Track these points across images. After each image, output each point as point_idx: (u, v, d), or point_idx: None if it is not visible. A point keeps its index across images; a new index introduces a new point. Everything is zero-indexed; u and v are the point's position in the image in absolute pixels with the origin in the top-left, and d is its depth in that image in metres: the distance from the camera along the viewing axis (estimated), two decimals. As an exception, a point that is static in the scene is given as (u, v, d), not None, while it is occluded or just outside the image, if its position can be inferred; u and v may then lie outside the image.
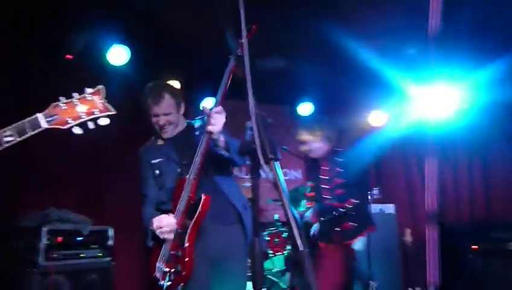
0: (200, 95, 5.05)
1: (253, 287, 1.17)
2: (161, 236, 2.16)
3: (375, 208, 4.43)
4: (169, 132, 2.39)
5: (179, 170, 2.35)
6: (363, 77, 4.90)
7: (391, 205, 4.55)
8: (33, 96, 3.51)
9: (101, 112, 1.46)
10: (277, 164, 1.17)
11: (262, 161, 1.16)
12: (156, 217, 2.20)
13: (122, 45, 4.22)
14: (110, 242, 3.63)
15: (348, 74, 5.05)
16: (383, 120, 5.43)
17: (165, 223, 2.15)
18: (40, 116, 1.41)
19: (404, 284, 4.35)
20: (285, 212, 1.10)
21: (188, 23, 3.99)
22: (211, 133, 2.06)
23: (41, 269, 3.15)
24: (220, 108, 2.07)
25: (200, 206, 2.11)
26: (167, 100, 2.34)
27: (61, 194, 4.01)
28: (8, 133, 1.41)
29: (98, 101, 1.46)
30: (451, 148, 5.18)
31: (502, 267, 4.05)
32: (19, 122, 1.41)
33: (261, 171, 1.21)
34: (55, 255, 3.24)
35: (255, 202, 1.22)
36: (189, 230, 2.12)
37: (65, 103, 1.43)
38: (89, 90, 1.47)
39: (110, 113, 1.48)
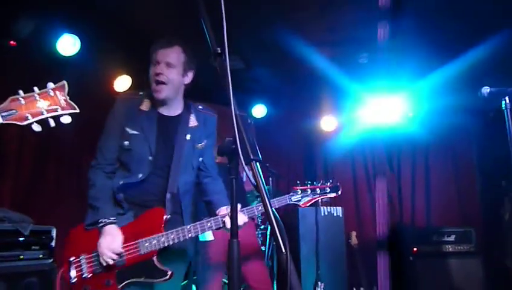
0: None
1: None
2: (103, 260, 1.98)
3: (324, 210, 4.55)
4: (163, 94, 2.06)
5: (150, 158, 2.07)
6: (316, 82, 5.05)
7: (339, 207, 4.68)
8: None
9: (63, 109, 1.36)
10: (257, 165, 1.16)
11: (243, 162, 1.14)
12: (108, 233, 1.99)
13: (73, 35, 4.00)
14: (53, 243, 3.41)
15: (302, 79, 5.17)
16: (334, 125, 5.60)
17: (111, 247, 1.97)
18: None
19: (350, 285, 4.50)
20: (267, 214, 1.09)
21: (145, 15, 3.87)
22: None
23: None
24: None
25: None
26: (176, 50, 2.08)
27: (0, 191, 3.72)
28: None
29: (61, 97, 1.37)
30: (396, 156, 5.48)
31: (438, 268, 4.39)
32: None
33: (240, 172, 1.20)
34: (-9, 257, 2.99)
35: (233, 202, 1.19)
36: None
37: (24, 98, 1.32)
38: (51, 84, 1.37)
39: (73, 111, 1.39)
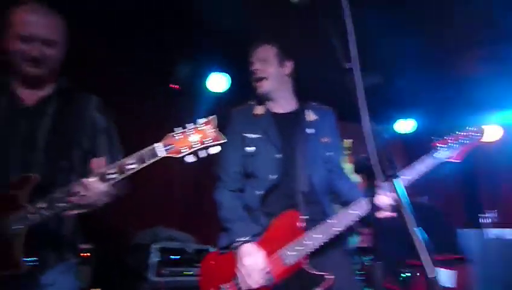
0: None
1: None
2: (251, 284, 1.75)
3: (491, 233, 3.97)
4: (266, 87, 2.05)
5: (278, 156, 1.96)
6: (471, 91, 4.54)
7: (512, 230, 4.02)
8: (147, 126, 3.82)
9: (212, 141, 1.50)
10: (396, 182, 1.09)
11: (381, 179, 1.10)
12: (246, 253, 1.79)
13: (222, 73, 4.44)
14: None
15: (452, 89, 4.72)
16: (497, 135, 4.92)
17: (256, 267, 1.75)
18: (157, 146, 1.49)
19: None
20: (411, 234, 1.01)
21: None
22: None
23: (152, 284, 3.34)
24: None
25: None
26: (265, 47, 2.10)
27: (168, 213, 4.27)
28: (131, 161, 1.51)
29: (210, 130, 1.51)
30: None
31: None
32: (140, 151, 1.51)
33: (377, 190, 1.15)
34: (164, 272, 3.41)
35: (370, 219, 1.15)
36: None
37: (179, 133, 1.50)
38: (201, 120, 1.53)
39: (221, 141, 1.51)
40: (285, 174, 1.94)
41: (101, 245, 3.21)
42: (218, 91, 4.48)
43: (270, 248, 1.81)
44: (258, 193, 1.94)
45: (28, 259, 1.52)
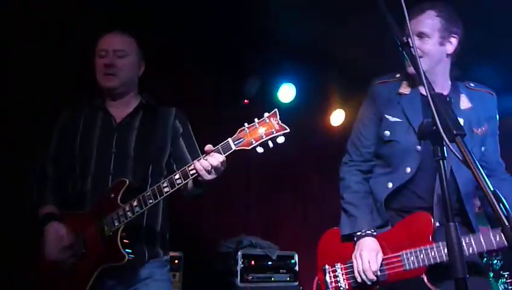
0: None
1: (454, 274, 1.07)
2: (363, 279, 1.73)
3: None
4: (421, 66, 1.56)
5: (419, 148, 1.73)
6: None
7: None
8: (220, 139, 4.03)
9: (277, 131, 1.62)
10: (463, 140, 1.08)
11: (447, 140, 1.09)
12: (366, 247, 1.73)
13: (290, 83, 4.56)
14: (296, 267, 3.78)
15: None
16: None
17: (372, 266, 1.71)
18: (230, 140, 1.65)
19: None
20: (481, 188, 0.99)
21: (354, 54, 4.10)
22: None
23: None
24: None
25: None
26: (429, 14, 1.76)
27: (250, 222, 4.41)
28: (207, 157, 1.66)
29: (275, 122, 1.63)
30: None
31: None
32: (217, 146, 1.67)
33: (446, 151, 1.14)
34: (250, 278, 3.52)
35: (442, 182, 1.13)
36: None
37: (248, 127, 1.65)
38: (266, 114, 1.67)
39: (285, 131, 1.63)
40: (422, 171, 1.75)
41: (190, 253, 3.40)
42: (286, 102, 4.60)
43: (393, 246, 1.75)
44: (389, 184, 1.80)
45: (128, 251, 1.72)
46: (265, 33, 3.93)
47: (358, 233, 1.79)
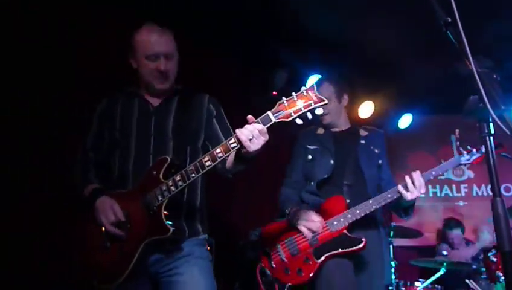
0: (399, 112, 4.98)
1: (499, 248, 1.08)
2: (301, 228, 2.27)
3: None
4: (327, 120, 2.59)
5: (332, 162, 2.48)
6: None
7: None
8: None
9: (315, 103, 1.63)
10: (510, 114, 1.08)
11: (493, 114, 1.10)
12: (306, 211, 2.32)
13: (318, 75, 4.56)
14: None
15: None
16: None
17: (314, 219, 2.27)
18: (269, 112, 1.67)
19: None
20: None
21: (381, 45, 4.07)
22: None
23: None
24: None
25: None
26: (325, 86, 2.58)
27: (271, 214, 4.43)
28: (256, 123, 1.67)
29: (312, 94, 1.65)
30: None
31: None
32: (255, 120, 1.69)
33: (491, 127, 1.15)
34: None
35: (489, 158, 1.14)
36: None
37: (287, 100, 1.66)
38: (303, 87, 1.68)
39: (324, 103, 1.64)
40: (336, 173, 2.47)
41: (220, 241, 3.46)
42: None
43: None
44: (313, 183, 2.48)
45: (170, 223, 1.77)
46: (294, 25, 3.95)
47: (288, 210, 2.40)
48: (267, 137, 1.69)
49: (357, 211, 2.29)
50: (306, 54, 4.34)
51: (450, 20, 1.33)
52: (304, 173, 2.58)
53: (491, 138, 1.18)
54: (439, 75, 4.48)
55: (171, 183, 1.76)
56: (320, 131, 2.65)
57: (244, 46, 4.14)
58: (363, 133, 2.64)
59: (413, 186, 2.22)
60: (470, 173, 5.76)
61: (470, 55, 1.22)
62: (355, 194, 2.41)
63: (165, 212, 1.78)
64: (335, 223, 2.30)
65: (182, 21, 3.48)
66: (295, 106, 1.63)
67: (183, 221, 1.93)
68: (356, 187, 2.45)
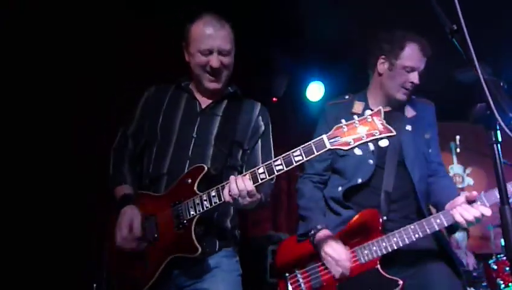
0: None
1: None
2: (327, 260, 1.81)
3: None
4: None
5: (371, 162, 1.90)
6: None
7: None
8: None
9: (381, 133, 1.42)
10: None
11: (501, 122, 1.09)
12: (326, 241, 1.81)
13: (318, 81, 4.57)
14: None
15: None
16: None
17: (341, 258, 1.78)
18: (325, 137, 1.46)
19: None
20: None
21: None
22: None
23: (270, 285, 3.46)
24: None
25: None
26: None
27: (277, 219, 4.43)
28: (297, 153, 1.48)
29: (378, 122, 1.43)
30: None
31: None
32: (307, 143, 1.49)
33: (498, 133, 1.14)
34: (279, 274, 3.52)
35: (496, 166, 1.13)
36: None
37: (346, 125, 1.45)
38: (368, 112, 1.49)
39: (390, 134, 1.43)
40: (376, 175, 1.90)
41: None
42: (315, 100, 4.60)
43: (347, 243, 1.84)
44: (340, 189, 1.94)
45: (201, 243, 1.59)
46: (294, 32, 3.95)
47: (313, 231, 1.88)
48: (256, 198, 1.54)
49: (394, 239, 1.76)
50: (306, 61, 4.35)
51: (455, 27, 1.32)
52: (333, 167, 2.03)
53: (499, 145, 1.17)
54: (438, 83, 4.50)
55: (205, 198, 1.60)
56: (357, 109, 1.98)
57: (244, 52, 4.14)
58: (409, 113, 2.02)
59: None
60: (469, 180, 5.77)
61: (476, 62, 1.22)
62: (397, 207, 1.89)
63: (196, 229, 1.60)
64: (365, 252, 1.80)
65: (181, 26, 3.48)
66: (355, 134, 1.42)
67: (214, 236, 1.74)
68: (398, 196, 1.89)
